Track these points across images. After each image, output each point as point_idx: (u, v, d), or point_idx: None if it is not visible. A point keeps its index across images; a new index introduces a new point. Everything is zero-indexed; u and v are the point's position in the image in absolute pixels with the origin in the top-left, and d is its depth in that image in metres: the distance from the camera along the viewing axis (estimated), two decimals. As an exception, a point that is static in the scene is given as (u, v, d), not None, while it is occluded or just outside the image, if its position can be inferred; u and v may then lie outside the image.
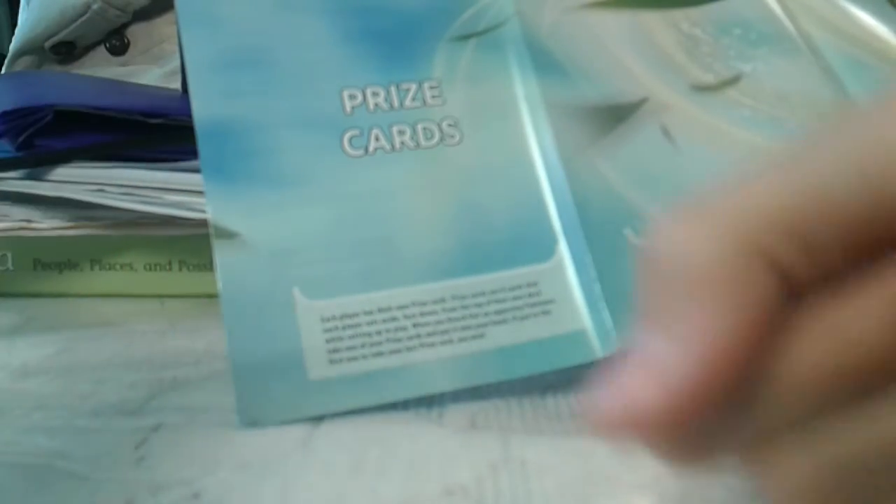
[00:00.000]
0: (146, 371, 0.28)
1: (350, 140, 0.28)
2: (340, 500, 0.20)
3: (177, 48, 0.55)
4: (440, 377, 0.25)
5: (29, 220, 0.37)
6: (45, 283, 0.39)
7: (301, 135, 0.27)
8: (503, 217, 0.27)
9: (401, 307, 0.26)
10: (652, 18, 0.32)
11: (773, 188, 0.14)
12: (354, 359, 0.25)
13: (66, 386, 0.27)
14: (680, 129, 0.29)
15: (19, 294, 0.39)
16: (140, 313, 0.37)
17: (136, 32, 0.68)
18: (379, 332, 0.25)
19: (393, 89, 0.29)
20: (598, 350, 0.26)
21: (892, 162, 0.13)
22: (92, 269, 0.39)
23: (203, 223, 0.27)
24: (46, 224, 0.37)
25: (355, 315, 0.26)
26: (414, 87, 0.29)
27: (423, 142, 0.28)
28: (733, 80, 0.31)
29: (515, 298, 0.27)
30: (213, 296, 0.26)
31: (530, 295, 0.27)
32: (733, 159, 0.28)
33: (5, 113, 0.38)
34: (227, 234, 0.26)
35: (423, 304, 0.26)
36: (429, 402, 0.25)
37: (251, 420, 0.24)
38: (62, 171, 0.37)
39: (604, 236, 0.27)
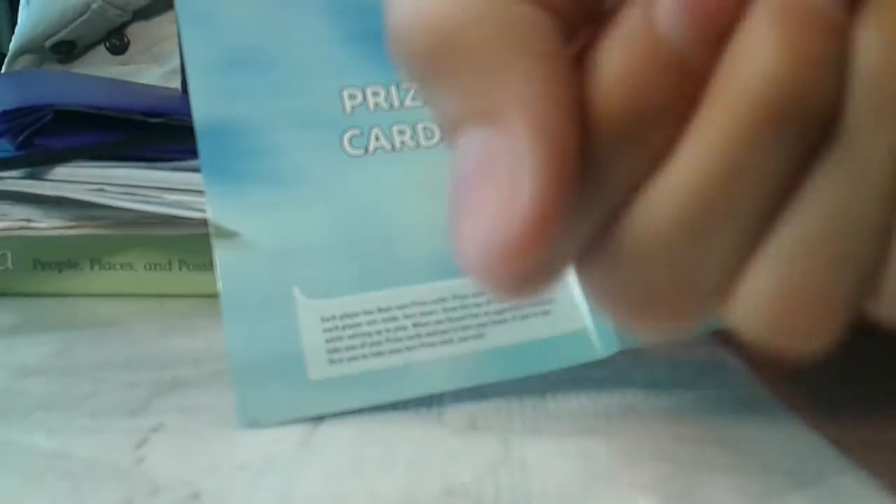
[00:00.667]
0: (146, 371, 0.28)
1: (350, 140, 0.28)
2: (340, 500, 0.20)
3: (177, 47, 0.55)
4: (440, 377, 0.25)
5: (29, 220, 0.37)
6: (44, 283, 0.39)
7: (301, 134, 0.27)
8: (503, 217, 0.27)
9: (401, 307, 0.26)
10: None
11: None
12: (354, 359, 0.25)
13: (66, 386, 0.27)
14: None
15: (19, 294, 0.39)
16: (140, 313, 0.37)
17: (135, 32, 0.68)
18: (379, 332, 0.25)
19: (393, 89, 0.29)
20: (598, 349, 0.26)
21: None
22: (92, 268, 0.39)
23: (203, 223, 0.27)
24: (46, 224, 0.37)
25: (355, 315, 0.26)
26: (414, 86, 0.29)
27: (423, 142, 0.28)
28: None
29: (515, 298, 0.26)
30: (213, 296, 0.26)
31: (530, 295, 0.27)
32: None
33: (5, 112, 0.38)
34: (227, 234, 0.26)
35: (423, 303, 0.26)
36: (429, 402, 0.25)
37: (251, 420, 0.24)
38: (62, 171, 0.37)
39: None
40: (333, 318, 0.25)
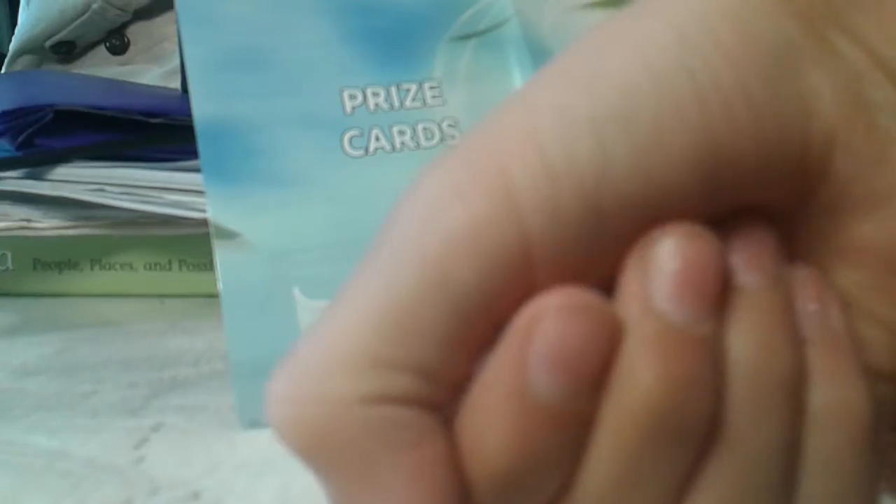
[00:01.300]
0: (146, 371, 0.28)
1: (350, 140, 0.28)
2: (340, 500, 0.20)
3: (177, 48, 0.55)
4: (440, 377, 0.25)
5: (29, 220, 0.37)
6: (44, 283, 0.39)
7: (301, 135, 0.27)
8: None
9: (401, 307, 0.26)
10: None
11: (351, 328, 0.13)
12: (354, 359, 0.25)
13: (66, 386, 0.27)
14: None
15: (19, 294, 0.39)
16: (140, 313, 0.37)
17: (136, 32, 0.68)
18: (379, 332, 0.25)
19: (393, 89, 0.29)
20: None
21: (450, 252, 0.12)
22: (92, 268, 0.39)
23: (203, 223, 0.27)
24: (46, 224, 0.37)
25: (355, 315, 0.26)
26: (414, 87, 0.29)
27: (423, 142, 0.28)
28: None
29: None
30: (213, 296, 0.26)
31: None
32: None
33: (5, 112, 0.38)
34: (228, 234, 0.26)
35: (423, 304, 0.26)
36: (429, 402, 0.25)
37: (251, 420, 0.24)
38: (62, 171, 0.37)
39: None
40: (333, 318, 0.25)
